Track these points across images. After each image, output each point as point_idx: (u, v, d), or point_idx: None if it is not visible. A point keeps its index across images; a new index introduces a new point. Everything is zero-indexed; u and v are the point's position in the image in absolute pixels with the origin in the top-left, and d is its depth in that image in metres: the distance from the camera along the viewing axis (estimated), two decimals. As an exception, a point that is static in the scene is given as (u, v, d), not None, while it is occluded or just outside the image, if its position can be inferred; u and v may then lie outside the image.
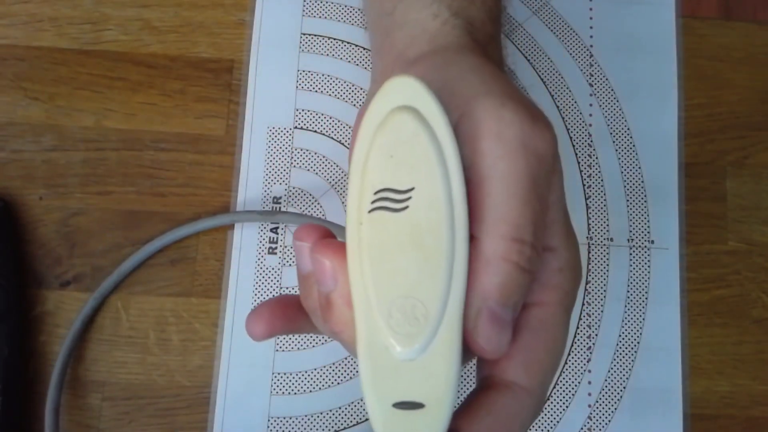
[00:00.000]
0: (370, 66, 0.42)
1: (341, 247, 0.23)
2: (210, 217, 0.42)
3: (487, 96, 0.24)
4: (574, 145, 0.44)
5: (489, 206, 0.23)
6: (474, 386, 0.25)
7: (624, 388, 0.41)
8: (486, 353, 0.23)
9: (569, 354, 0.42)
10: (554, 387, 0.42)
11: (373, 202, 0.23)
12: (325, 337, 0.42)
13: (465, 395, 0.25)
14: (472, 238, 0.23)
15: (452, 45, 0.28)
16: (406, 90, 0.23)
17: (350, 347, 0.24)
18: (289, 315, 0.26)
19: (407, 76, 0.23)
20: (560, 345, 0.25)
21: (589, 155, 0.44)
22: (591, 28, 0.46)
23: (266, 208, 0.43)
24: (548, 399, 0.41)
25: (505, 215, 0.23)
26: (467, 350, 0.23)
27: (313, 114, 0.44)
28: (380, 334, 0.22)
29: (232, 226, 0.43)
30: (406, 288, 0.22)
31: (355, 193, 0.23)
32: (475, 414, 0.24)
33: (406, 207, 0.22)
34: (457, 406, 0.23)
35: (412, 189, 0.22)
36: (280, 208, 0.43)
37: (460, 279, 0.22)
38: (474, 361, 0.26)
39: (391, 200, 0.23)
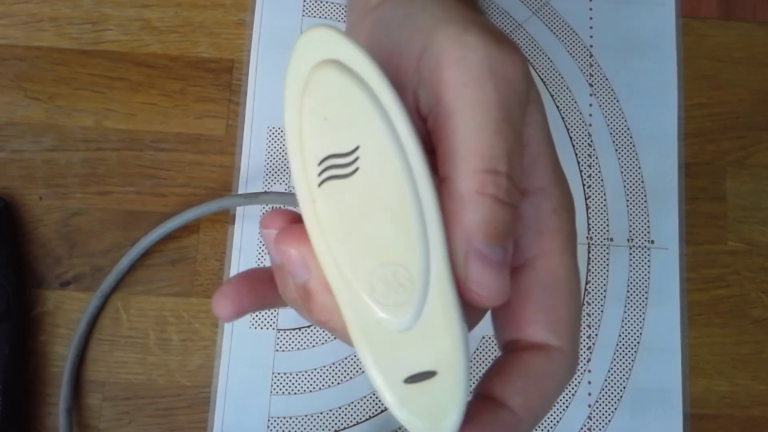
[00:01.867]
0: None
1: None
2: (200, 205, 0.42)
3: (449, 23, 0.22)
4: (574, 145, 0.44)
5: (458, 141, 0.21)
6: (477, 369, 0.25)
7: (624, 388, 0.41)
8: (484, 300, 0.21)
9: (569, 354, 0.42)
10: (554, 387, 0.42)
11: (320, 174, 0.21)
12: (325, 337, 0.42)
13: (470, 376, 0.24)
14: (444, 179, 0.21)
15: None
16: (322, 42, 0.21)
17: (341, 335, 0.22)
18: (258, 290, 0.24)
19: (319, 27, 0.21)
20: (577, 294, 0.23)
21: (589, 155, 0.44)
22: (591, 28, 0.46)
23: (266, 209, 0.43)
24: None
25: (476, 147, 0.21)
26: (468, 307, 0.21)
27: (313, 114, 0.44)
28: (368, 311, 0.20)
29: (231, 222, 0.43)
30: (381, 255, 0.20)
31: (299, 168, 0.21)
32: (507, 376, 0.22)
33: (356, 169, 0.20)
34: (475, 373, 0.22)
35: (357, 148, 0.20)
36: (280, 207, 0.43)
37: (436, 229, 0.20)
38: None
39: (338, 167, 0.20)
